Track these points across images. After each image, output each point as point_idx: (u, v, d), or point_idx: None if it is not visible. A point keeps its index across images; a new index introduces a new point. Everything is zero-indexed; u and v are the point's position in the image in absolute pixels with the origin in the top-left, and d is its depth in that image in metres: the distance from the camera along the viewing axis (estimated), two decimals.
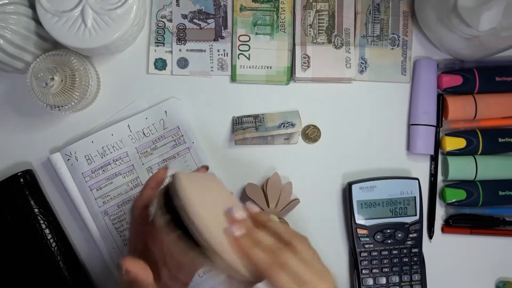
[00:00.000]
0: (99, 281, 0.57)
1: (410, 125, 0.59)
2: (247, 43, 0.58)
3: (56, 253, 0.53)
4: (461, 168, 0.58)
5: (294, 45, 0.58)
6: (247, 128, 0.56)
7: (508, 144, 0.58)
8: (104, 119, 0.57)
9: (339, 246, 0.59)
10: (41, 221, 0.53)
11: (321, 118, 0.59)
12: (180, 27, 0.57)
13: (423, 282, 0.57)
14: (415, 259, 0.56)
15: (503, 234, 0.59)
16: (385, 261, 0.56)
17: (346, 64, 0.58)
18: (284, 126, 0.56)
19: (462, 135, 0.58)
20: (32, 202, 0.54)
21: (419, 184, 0.57)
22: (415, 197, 0.56)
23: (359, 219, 0.56)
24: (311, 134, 0.58)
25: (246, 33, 0.58)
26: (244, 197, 0.57)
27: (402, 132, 0.60)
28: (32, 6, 0.51)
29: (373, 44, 0.59)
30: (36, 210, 0.54)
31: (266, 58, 0.58)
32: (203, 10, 0.58)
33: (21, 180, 0.54)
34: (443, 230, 0.59)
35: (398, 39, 0.59)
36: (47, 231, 0.54)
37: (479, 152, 0.58)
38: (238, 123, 0.57)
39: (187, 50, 0.57)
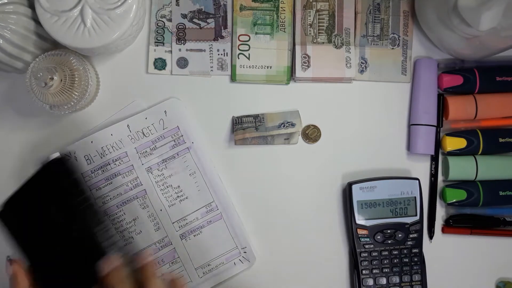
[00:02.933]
0: None
1: (410, 125, 0.59)
2: (247, 42, 0.57)
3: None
4: (462, 168, 0.58)
5: (294, 44, 0.58)
6: (247, 128, 0.56)
7: (508, 144, 0.58)
8: (103, 119, 0.57)
9: (339, 246, 0.58)
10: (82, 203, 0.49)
11: (321, 118, 0.59)
12: (179, 27, 0.57)
13: (423, 282, 0.56)
14: (416, 259, 0.56)
15: (503, 235, 0.59)
16: (385, 262, 0.56)
17: (346, 64, 0.58)
18: (284, 126, 0.56)
19: (463, 135, 0.58)
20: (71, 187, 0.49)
21: (419, 184, 0.57)
22: (415, 197, 0.56)
23: (359, 220, 0.56)
24: (311, 134, 0.58)
25: (246, 32, 0.58)
26: None
27: (402, 132, 0.59)
28: (31, 5, 0.50)
29: (373, 44, 0.59)
30: (75, 194, 0.48)
31: (266, 58, 0.57)
32: (203, 10, 0.58)
33: (56, 166, 0.48)
34: (443, 231, 0.59)
35: (399, 39, 0.59)
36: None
37: (480, 152, 0.58)
38: (238, 123, 0.57)
39: (186, 49, 0.57)
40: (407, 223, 0.56)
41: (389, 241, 0.56)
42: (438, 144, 0.58)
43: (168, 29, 0.57)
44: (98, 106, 0.57)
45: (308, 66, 0.57)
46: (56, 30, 0.49)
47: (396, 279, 0.56)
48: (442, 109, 0.58)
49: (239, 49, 0.57)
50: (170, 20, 0.57)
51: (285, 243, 0.58)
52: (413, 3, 0.59)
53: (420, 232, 0.56)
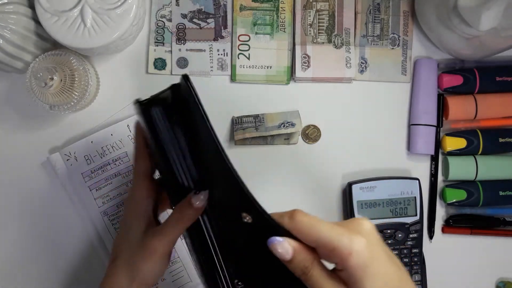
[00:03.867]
0: (99, 281, 0.57)
1: (410, 125, 0.59)
2: (247, 42, 0.57)
3: None
4: (462, 168, 0.58)
5: (294, 44, 0.58)
6: (247, 128, 0.56)
7: (508, 144, 0.58)
8: (103, 119, 0.57)
9: None
10: None
11: (321, 118, 0.59)
12: (179, 27, 0.57)
13: (423, 282, 0.56)
14: (416, 259, 0.56)
15: (503, 234, 0.59)
16: None
17: (346, 64, 0.58)
18: (284, 126, 0.56)
19: (463, 135, 0.58)
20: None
21: (419, 184, 0.57)
22: (415, 197, 0.56)
23: None
24: (311, 134, 0.58)
25: (246, 32, 0.58)
26: None
27: (402, 132, 0.59)
28: (31, 5, 0.50)
29: (373, 44, 0.59)
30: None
31: (266, 58, 0.57)
32: (203, 10, 0.58)
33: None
34: (443, 230, 0.59)
35: (399, 39, 0.59)
36: None
37: (480, 152, 0.58)
38: (238, 123, 0.57)
39: (186, 49, 0.57)
40: (407, 223, 0.56)
41: (389, 241, 0.56)
42: (438, 144, 0.58)
43: (168, 29, 0.57)
44: (98, 106, 0.57)
45: (308, 66, 0.57)
46: (56, 30, 0.49)
47: None
48: (442, 109, 0.58)
49: (239, 49, 0.57)
50: (170, 20, 0.57)
51: None
52: (413, 3, 0.59)
53: (420, 232, 0.56)
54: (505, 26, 0.49)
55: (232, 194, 0.37)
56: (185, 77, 0.36)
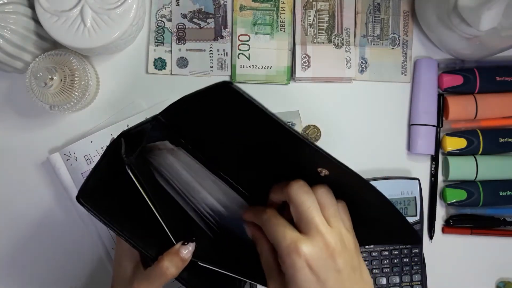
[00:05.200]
0: (98, 281, 0.57)
1: (410, 125, 0.59)
2: (247, 42, 0.57)
3: None
4: (462, 168, 0.58)
5: (294, 44, 0.58)
6: None
7: (508, 144, 0.58)
8: (103, 119, 0.57)
9: None
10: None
11: (321, 118, 0.59)
12: (179, 27, 0.57)
13: (423, 282, 0.56)
14: (416, 259, 0.56)
15: (503, 235, 0.59)
16: (385, 262, 0.56)
17: (346, 64, 0.58)
18: None
19: (463, 135, 0.58)
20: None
21: (419, 184, 0.57)
22: (415, 197, 0.56)
23: None
24: (311, 134, 0.58)
25: (246, 32, 0.58)
26: None
27: (402, 132, 0.59)
28: (31, 5, 0.50)
29: (374, 44, 0.59)
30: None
31: (266, 58, 0.57)
32: (203, 10, 0.57)
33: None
34: (443, 231, 0.59)
35: (399, 39, 0.59)
36: None
37: (480, 152, 0.58)
38: None
39: (186, 49, 0.57)
40: None
41: None
42: (438, 144, 0.58)
43: (168, 29, 0.57)
44: (98, 106, 0.57)
45: (308, 66, 0.57)
46: (56, 30, 0.49)
47: (396, 279, 0.56)
48: (442, 109, 0.58)
49: (239, 49, 0.57)
50: (170, 20, 0.57)
51: None
52: (413, 3, 0.59)
53: (420, 232, 0.56)
54: (505, 26, 0.49)
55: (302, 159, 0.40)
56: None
